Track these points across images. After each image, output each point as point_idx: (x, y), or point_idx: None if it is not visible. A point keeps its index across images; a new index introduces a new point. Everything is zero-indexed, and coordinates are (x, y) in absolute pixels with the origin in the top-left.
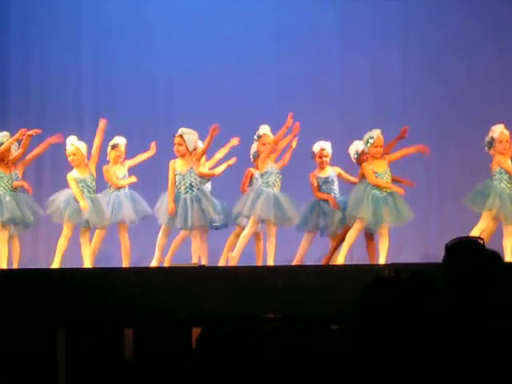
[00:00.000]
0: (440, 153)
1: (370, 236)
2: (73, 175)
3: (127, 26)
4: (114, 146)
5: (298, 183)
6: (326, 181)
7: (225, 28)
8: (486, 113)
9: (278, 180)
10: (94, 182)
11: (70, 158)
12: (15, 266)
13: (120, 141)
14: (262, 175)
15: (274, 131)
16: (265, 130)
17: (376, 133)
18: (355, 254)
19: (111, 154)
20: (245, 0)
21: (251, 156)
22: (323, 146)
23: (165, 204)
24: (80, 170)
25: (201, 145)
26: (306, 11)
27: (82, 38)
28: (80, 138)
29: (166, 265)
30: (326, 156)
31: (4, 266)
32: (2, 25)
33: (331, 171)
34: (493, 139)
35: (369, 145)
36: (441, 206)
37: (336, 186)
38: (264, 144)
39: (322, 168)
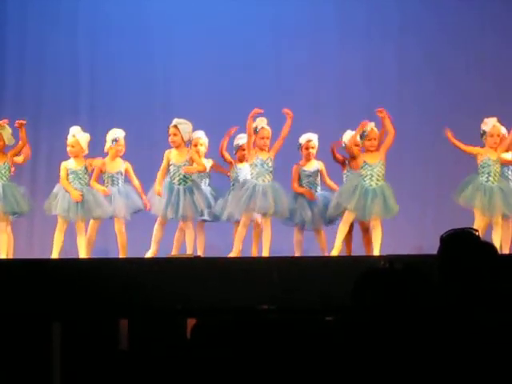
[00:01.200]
0: (436, 147)
1: (365, 228)
2: (66, 165)
3: (124, 19)
4: (115, 141)
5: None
6: (309, 174)
7: (222, 22)
8: (483, 109)
9: (266, 169)
10: (86, 175)
11: (68, 149)
12: (9, 255)
13: (119, 134)
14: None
15: (270, 124)
16: (262, 123)
17: (370, 126)
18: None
19: (112, 149)
20: None
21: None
22: (310, 137)
23: (155, 198)
24: (76, 161)
25: (201, 136)
26: (303, 6)
27: (79, 31)
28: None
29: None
30: (313, 148)
31: (3, 256)
32: None
33: (316, 164)
34: (484, 132)
35: (363, 138)
36: (437, 198)
37: (318, 181)
38: (262, 138)
39: (308, 160)
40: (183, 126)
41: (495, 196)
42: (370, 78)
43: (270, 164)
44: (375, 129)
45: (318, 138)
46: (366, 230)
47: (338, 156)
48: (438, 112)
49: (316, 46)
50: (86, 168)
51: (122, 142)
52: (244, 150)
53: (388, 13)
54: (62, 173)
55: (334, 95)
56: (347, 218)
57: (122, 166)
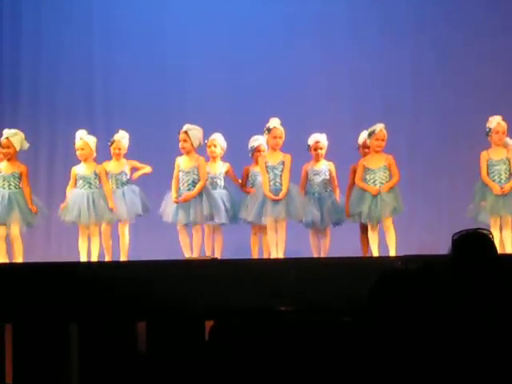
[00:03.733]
0: (451, 149)
1: (364, 228)
2: (76, 170)
3: (138, 21)
4: (111, 143)
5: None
6: (317, 173)
7: (236, 24)
8: (497, 110)
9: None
10: (96, 180)
11: (78, 153)
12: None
13: (116, 137)
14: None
15: (283, 125)
16: (275, 123)
17: (379, 126)
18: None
19: (111, 151)
20: None
21: (249, 150)
22: (318, 138)
23: (169, 204)
24: (86, 165)
25: (216, 137)
26: (317, 7)
27: (93, 33)
28: (90, 132)
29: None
30: (321, 148)
31: (20, 260)
32: (13, 22)
33: (325, 165)
34: (490, 129)
35: (371, 137)
36: (452, 198)
37: (327, 181)
38: (274, 137)
39: (317, 160)
40: (193, 131)
41: (503, 195)
42: (384, 79)
43: (281, 168)
44: (384, 130)
45: (331, 139)
46: (365, 231)
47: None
48: (452, 113)
49: (329, 45)
50: (95, 172)
51: (120, 144)
52: (260, 151)
53: (401, 12)
54: (71, 179)
55: (347, 95)
56: (371, 226)
57: (125, 166)
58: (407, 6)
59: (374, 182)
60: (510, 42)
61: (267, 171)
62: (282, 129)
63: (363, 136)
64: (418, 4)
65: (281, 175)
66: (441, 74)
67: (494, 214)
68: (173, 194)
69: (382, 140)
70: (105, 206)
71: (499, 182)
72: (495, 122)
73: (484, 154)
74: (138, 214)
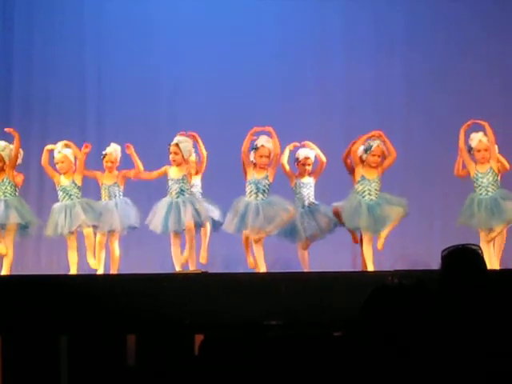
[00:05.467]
0: (443, 159)
1: (358, 240)
2: (58, 179)
3: (131, 32)
4: (103, 156)
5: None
6: (304, 185)
7: (229, 33)
8: (489, 118)
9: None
10: (75, 189)
11: (58, 166)
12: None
13: (108, 150)
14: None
15: (277, 137)
16: (263, 141)
17: (376, 142)
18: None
19: (103, 164)
20: (249, 6)
21: None
22: (308, 154)
23: (157, 214)
24: (65, 176)
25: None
26: (310, 18)
27: (85, 43)
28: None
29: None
30: (309, 165)
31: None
32: (5, 32)
33: (310, 180)
34: (471, 148)
35: (368, 153)
36: (444, 211)
37: (313, 193)
38: (261, 157)
39: (303, 176)
40: (184, 144)
41: (489, 207)
42: (377, 91)
43: (265, 182)
44: (382, 146)
45: (325, 149)
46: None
47: (349, 162)
48: (446, 123)
49: (323, 59)
50: (74, 182)
51: (112, 157)
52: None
53: (394, 25)
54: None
55: (340, 109)
56: (367, 238)
57: (117, 178)
58: (400, 16)
59: (369, 192)
60: (506, 51)
61: (250, 185)
62: (269, 147)
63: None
64: (411, 13)
65: (263, 191)
66: (433, 84)
67: (482, 228)
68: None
69: (378, 156)
70: (79, 212)
71: (486, 194)
72: (476, 140)
73: (472, 168)
74: (130, 225)
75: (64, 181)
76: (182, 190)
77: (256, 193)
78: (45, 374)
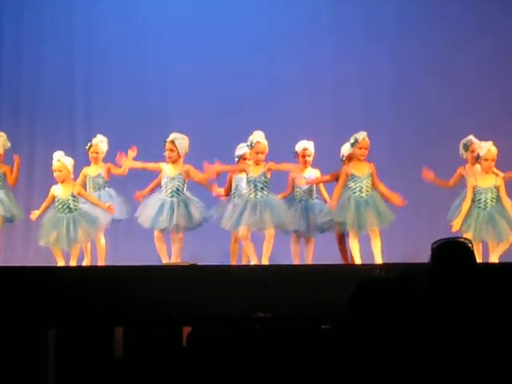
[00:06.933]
0: (431, 154)
1: (341, 237)
2: (54, 191)
3: (120, 29)
4: (89, 147)
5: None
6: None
7: (217, 28)
8: (478, 115)
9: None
10: (76, 203)
11: (55, 174)
12: None
13: (94, 140)
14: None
15: (266, 133)
16: (258, 137)
17: (362, 135)
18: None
19: (89, 155)
20: (237, 1)
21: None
22: (306, 145)
23: (148, 210)
24: (64, 186)
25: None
26: (298, 13)
27: (74, 42)
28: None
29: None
30: (309, 155)
31: None
32: None
33: (312, 172)
34: (479, 156)
35: (354, 146)
36: (431, 204)
37: (314, 188)
38: (257, 153)
39: (305, 167)
40: (180, 141)
41: (491, 220)
42: (366, 85)
43: (263, 179)
44: (367, 138)
45: (314, 146)
46: (342, 240)
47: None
48: (434, 119)
49: (311, 52)
50: (72, 195)
51: (98, 148)
52: (245, 159)
53: (383, 19)
54: (49, 197)
55: (329, 103)
56: (352, 234)
57: (102, 169)
58: (389, 10)
59: (360, 189)
60: (496, 44)
61: (248, 184)
62: (265, 143)
63: (346, 148)
64: (400, 7)
65: (262, 188)
66: (422, 81)
67: (476, 240)
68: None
69: (365, 148)
70: (87, 226)
71: (484, 208)
72: (485, 148)
73: (471, 181)
74: (114, 218)
75: (62, 192)
76: (177, 190)
77: (255, 191)
78: (32, 366)
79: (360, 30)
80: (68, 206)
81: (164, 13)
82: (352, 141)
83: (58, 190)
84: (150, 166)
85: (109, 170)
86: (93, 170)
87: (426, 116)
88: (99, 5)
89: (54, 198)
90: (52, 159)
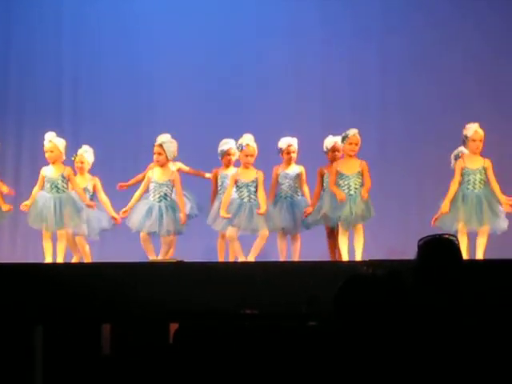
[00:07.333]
0: (419, 150)
1: (331, 233)
2: (44, 172)
3: (109, 30)
4: (74, 158)
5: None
6: (289, 177)
7: (205, 30)
8: (466, 110)
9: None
10: (65, 184)
11: (46, 155)
12: None
13: (79, 151)
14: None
15: (254, 131)
16: (248, 140)
17: (352, 131)
18: (321, 250)
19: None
20: (224, 1)
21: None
22: (290, 141)
23: (134, 214)
24: (55, 167)
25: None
26: (285, 9)
27: (63, 36)
28: (58, 135)
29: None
30: (293, 152)
31: None
32: None
33: (296, 168)
34: (466, 137)
35: (344, 141)
36: (419, 201)
37: (298, 185)
38: (246, 156)
39: (289, 164)
40: (168, 144)
41: (478, 204)
42: (354, 81)
43: (255, 184)
44: (358, 135)
45: (301, 142)
46: (332, 235)
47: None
48: (422, 116)
49: (299, 48)
50: (63, 175)
51: (83, 158)
52: (230, 154)
53: (371, 15)
54: (39, 179)
55: (317, 99)
56: (342, 230)
57: (88, 182)
58: (377, 8)
59: (348, 187)
60: (481, 41)
61: (240, 189)
62: (254, 146)
63: (330, 141)
64: (388, 6)
65: (255, 191)
66: (411, 76)
67: (466, 224)
68: (132, 202)
69: (356, 144)
70: (72, 211)
71: (472, 190)
72: (472, 130)
73: (460, 162)
74: (102, 228)
75: (53, 172)
76: (165, 195)
77: (249, 195)
78: (20, 363)
79: (347, 25)
80: (56, 186)
81: (152, 13)
82: (342, 137)
83: (48, 171)
84: (140, 178)
85: (95, 186)
86: (79, 183)
87: (414, 112)
88: (87, 3)
89: (44, 179)
90: (38, 160)
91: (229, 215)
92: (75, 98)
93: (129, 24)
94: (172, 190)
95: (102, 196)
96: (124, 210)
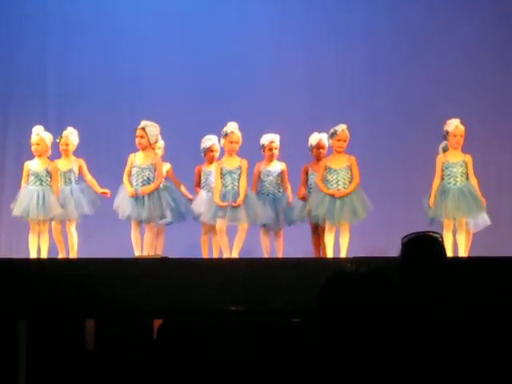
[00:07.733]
0: (406, 146)
1: (316, 230)
2: (28, 165)
3: (94, 17)
4: (59, 139)
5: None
6: (270, 173)
7: (193, 22)
8: (455, 105)
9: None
10: (48, 178)
11: (33, 148)
12: None
13: (64, 133)
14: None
15: (240, 125)
16: (232, 127)
17: (341, 127)
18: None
19: (59, 148)
20: None
21: (201, 150)
22: (273, 138)
23: (124, 200)
24: (40, 161)
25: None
26: (271, 4)
27: (48, 28)
28: (44, 127)
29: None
30: (276, 148)
31: None
32: None
33: (278, 165)
34: (447, 132)
35: (332, 138)
36: (405, 199)
37: (280, 182)
38: (231, 142)
39: (271, 161)
40: (150, 128)
41: (459, 198)
42: (340, 78)
43: (238, 172)
44: (346, 131)
45: (288, 139)
46: (316, 232)
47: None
48: (411, 110)
49: (286, 45)
50: (47, 169)
51: (68, 140)
52: (212, 151)
53: (359, 9)
54: (24, 172)
55: (304, 95)
56: (329, 227)
57: (73, 163)
58: (365, 1)
59: (337, 182)
60: (472, 34)
61: (224, 176)
62: (239, 134)
63: (315, 138)
64: (377, 2)
65: (239, 179)
66: (398, 73)
67: (448, 216)
68: (128, 188)
69: (344, 141)
70: (54, 202)
71: (454, 184)
72: (453, 125)
73: (440, 157)
74: (84, 213)
75: (37, 166)
76: (148, 179)
77: (232, 183)
78: (2, 359)
79: (334, 20)
80: (40, 179)
81: (139, 5)
82: (331, 133)
83: (33, 164)
84: (127, 172)
85: (80, 168)
86: (64, 165)
87: (403, 107)
88: None
89: (28, 172)
90: (24, 152)
91: (225, 203)
92: (60, 83)
93: (114, 15)
94: (155, 174)
95: (89, 177)
96: (133, 193)
